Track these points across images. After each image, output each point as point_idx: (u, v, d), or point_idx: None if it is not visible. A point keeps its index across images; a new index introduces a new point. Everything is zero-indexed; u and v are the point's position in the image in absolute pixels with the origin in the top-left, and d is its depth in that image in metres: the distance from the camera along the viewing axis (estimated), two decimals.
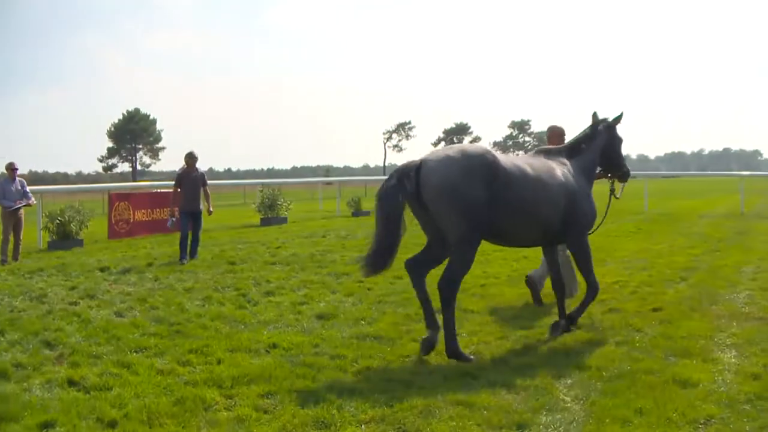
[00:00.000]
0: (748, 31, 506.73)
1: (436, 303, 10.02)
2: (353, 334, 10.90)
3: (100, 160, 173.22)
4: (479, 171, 9.69)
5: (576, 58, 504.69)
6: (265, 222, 32.98)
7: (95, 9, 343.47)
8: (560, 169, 10.88)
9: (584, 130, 11.86)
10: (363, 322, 11.76)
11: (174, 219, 20.25)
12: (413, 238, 10.81)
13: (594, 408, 7.66)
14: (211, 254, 20.55)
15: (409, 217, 10.23)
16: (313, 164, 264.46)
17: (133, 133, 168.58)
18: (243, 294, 14.33)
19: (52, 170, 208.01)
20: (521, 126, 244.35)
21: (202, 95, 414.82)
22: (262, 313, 12.58)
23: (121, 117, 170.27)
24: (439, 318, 9.88)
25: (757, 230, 26.29)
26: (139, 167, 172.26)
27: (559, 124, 14.14)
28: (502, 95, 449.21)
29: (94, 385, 8.59)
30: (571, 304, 11.80)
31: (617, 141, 12.13)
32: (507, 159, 10.22)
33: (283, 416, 7.51)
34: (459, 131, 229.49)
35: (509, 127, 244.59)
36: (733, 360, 9.35)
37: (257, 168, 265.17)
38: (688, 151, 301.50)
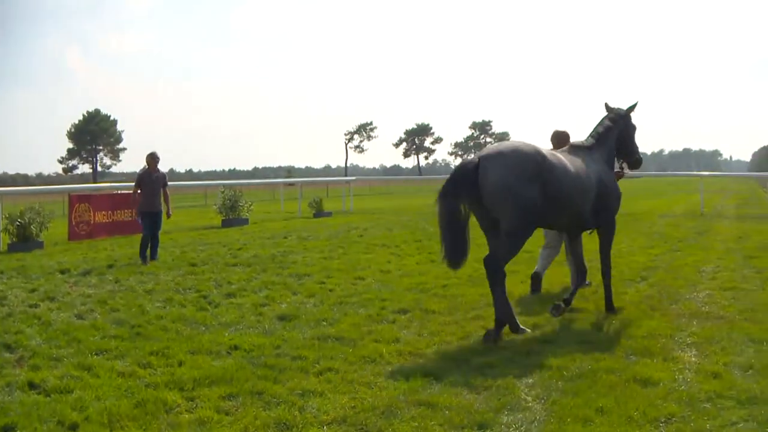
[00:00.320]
0: (707, 32, 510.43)
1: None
2: (315, 335, 10.87)
3: (61, 162, 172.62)
4: (532, 169, 10.71)
5: (536, 59, 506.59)
6: (227, 223, 32.80)
7: (55, 9, 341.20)
8: (590, 163, 11.88)
9: (602, 121, 12.68)
10: (325, 323, 11.74)
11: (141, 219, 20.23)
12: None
13: (555, 407, 7.69)
14: (172, 256, 20.48)
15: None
16: (275, 165, 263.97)
17: (94, 134, 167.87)
18: (204, 296, 14.29)
19: (11, 171, 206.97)
20: (482, 127, 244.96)
21: (164, 96, 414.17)
22: (224, 314, 12.55)
23: (81, 118, 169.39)
24: None
25: (716, 230, 26.49)
26: (99, 168, 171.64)
27: (562, 128, 14.54)
28: (464, 96, 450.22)
29: (55, 387, 8.53)
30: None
31: (632, 129, 13.02)
32: (552, 156, 11.19)
33: (245, 418, 7.50)
34: (420, 132, 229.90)
35: (470, 127, 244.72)
36: (693, 359, 9.42)
37: (218, 169, 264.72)
38: (649, 152, 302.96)
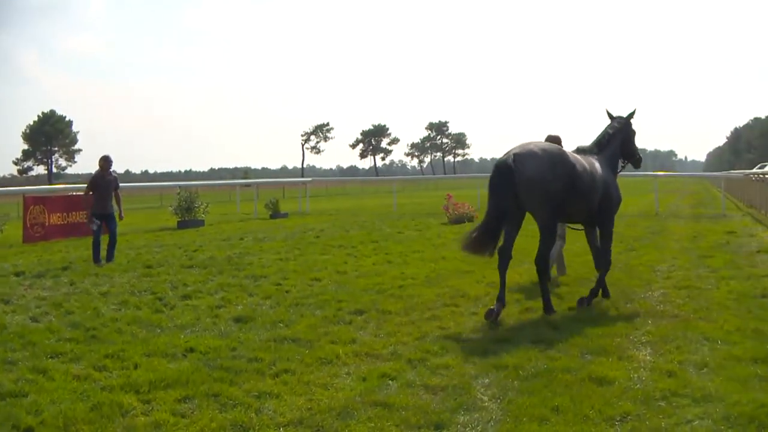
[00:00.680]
0: (663, 34, 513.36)
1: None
2: (271, 337, 10.84)
3: (16, 163, 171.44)
4: (559, 167, 12.08)
5: (491, 60, 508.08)
6: (182, 225, 32.65)
7: (10, 9, 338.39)
8: (597, 164, 13.07)
9: (606, 128, 13.94)
10: (281, 325, 11.70)
11: (97, 222, 20.11)
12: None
13: (511, 407, 7.72)
14: (127, 258, 20.38)
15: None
16: (231, 166, 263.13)
17: (49, 135, 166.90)
18: (159, 298, 14.22)
19: None
20: (439, 127, 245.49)
21: (119, 97, 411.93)
22: (179, 317, 12.49)
23: (36, 119, 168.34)
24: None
25: (671, 230, 26.66)
26: (55, 170, 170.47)
27: (554, 133, 15.32)
28: (420, 97, 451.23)
29: (10, 391, 8.46)
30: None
31: (633, 133, 14.29)
32: (572, 157, 12.49)
33: (201, 421, 7.47)
34: (377, 133, 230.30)
35: (427, 128, 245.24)
36: (648, 357, 9.48)
37: (174, 170, 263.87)
38: None
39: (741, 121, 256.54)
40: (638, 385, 8.30)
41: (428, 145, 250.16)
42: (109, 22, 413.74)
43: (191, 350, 10.16)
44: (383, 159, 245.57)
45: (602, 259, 13.47)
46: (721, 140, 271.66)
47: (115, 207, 20.83)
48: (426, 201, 54.03)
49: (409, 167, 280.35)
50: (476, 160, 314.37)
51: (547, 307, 12.27)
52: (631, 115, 14.25)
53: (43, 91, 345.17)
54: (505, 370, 8.98)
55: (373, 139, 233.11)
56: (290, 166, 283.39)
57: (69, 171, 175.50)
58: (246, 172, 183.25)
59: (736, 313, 11.84)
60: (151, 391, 8.40)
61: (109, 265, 18.99)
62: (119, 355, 9.91)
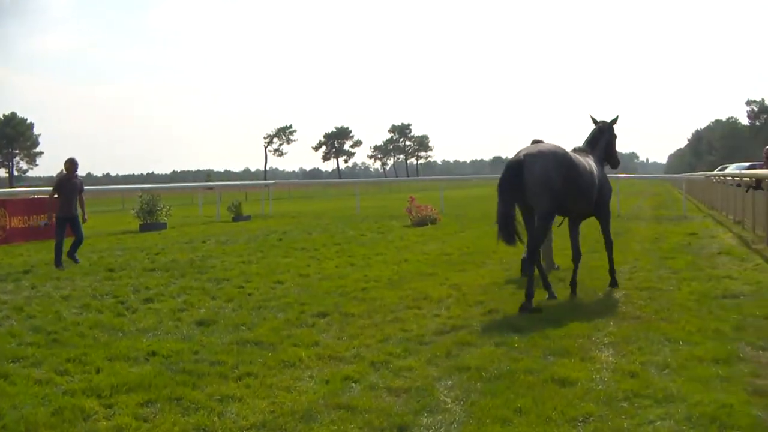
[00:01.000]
0: (624, 38, 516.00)
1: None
2: (234, 340, 10.80)
3: None
4: (564, 166, 13.20)
5: (453, 62, 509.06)
6: (145, 228, 32.53)
7: None
8: (591, 164, 14.25)
9: (593, 131, 15.27)
10: (243, 328, 11.68)
11: (47, 222, 20.16)
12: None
13: (474, 408, 7.72)
14: (89, 261, 20.30)
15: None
16: (194, 169, 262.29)
17: (10, 137, 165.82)
18: (121, 301, 14.16)
19: None
20: (402, 130, 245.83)
21: (81, 99, 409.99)
22: (141, 320, 12.43)
23: None
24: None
25: (633, 231, 26.78)
26: (16, 173, 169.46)
27: (539, 137, 16.73)
28: (383, 100, 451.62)
29: None
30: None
31: (614, 137, 15.59)
32: (575, 158, 13.61)
33: (164, 424, 7.44)
34: (340, 135, 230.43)
35: (390, 131, 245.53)
36: (611, 358, 9.51)
37: (136, 173, 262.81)
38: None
39: (702, 123, 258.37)
40: (600, 386, 8.32)
41: (391, 147, 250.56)
42: (71, 24, 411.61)
43: (153, 354, 10.10)
44: (346, 161, 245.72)
45: (608, 242, 14.86)
46: (682, 142, 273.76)
47: (79, 210, 20.74)
48: (389, 203, 54.04)
49: (372, 170, 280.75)
50: (439, 162, 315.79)
51: (549, 292, 13.65)
52: (614, 120, 15.55)
53: (4, 94, 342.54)
54: (468, 371, 8.98)
55: (336, 141, 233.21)
56: (253, 169, 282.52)
57: (30, 174, 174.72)
58: (208, 175, 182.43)
59: (697, 314, 11.90)
60: (113, 395, 8.35)
61: (70, 269, 18.88)
62: (81, 359, 9.85)
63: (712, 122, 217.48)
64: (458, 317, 12.11)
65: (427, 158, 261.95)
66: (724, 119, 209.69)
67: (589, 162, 14.21)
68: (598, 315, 12.04)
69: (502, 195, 13.14)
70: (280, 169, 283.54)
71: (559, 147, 13.66)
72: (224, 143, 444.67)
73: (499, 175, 13.24)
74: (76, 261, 19.90)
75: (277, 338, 10.86)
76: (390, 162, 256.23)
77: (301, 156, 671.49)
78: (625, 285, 14.74)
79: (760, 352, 9.60)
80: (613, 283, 14.63)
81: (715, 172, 50.36)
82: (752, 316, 11.59)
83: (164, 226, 33.56)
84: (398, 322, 11.85)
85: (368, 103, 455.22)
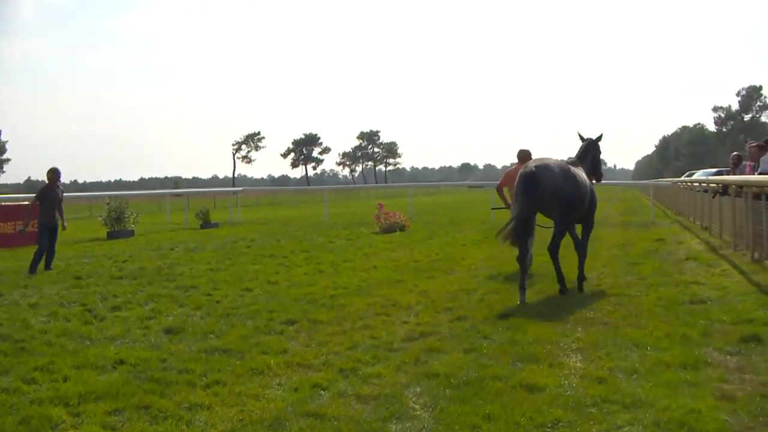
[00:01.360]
0: (590, 41, 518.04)
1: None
2: (202, 348, 10.76)
3: None
4: (570, 177, 14.84)
5: (421, 69, 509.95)
6: (112, 235, 32.36)
7: None
8: (583, 174, 15.72)
9: (582, 146, 16.78)
10: (212, 336, 11.63)
11: (25, 229, 20.27)
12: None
13: (443, 415, 7.72)
14: (57, 269, 20.18)
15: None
16: (162, 176, 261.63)
17: None
18: (89, 309, 14.07)
19: None
20: (370, 137, 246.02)
21: (48, 105, 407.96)
22: (109, 328, 12.36)
23: None
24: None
25: (601, 237, 26.81)
26: None
27: (525, 147, 18.72)
28: (351, 106, 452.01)
29: None
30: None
31: (599, 152, 17.10)
32: (574, 170, 15.24)
33: None
34: (308, 142, 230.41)
35: (358, 137, 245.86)
36: (579, 364, 9.52)
37: (104, 180, 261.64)
38: None
39: (669, 130, 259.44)
40: (569, 392, 8.34)
41: (360, 154, 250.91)
42: (39, 28, 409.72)
43: (121, 362, 10.05)
44: (315, 168, 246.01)
45: (582, 250, 15.90)
46: (649, 149, 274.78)
47: (58, 218, 21.01)
48: (358, 210, 54.01)
49: (340, 176, 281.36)
50: (408, 169, 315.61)
51: (562, 285, 14.96)
52: (599, 137, 17.04)
53: None
54: (437, 378, 8.99)
55: (304, 148, 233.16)
56: (221, 176, 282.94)
57: None
58: (176, 182, 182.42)
59: (665, 319, 11.95)
60: (80, 403, 8.31)
61: (38, 277, 18.79)
62: (48, 368, 9.78)
63: (680, 129, 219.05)
64: (427, 324, 12.12)
65: (395, 165, 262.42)
66: (691, 125, 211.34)
67: (581, 174, 15.55)
68: (566, 321, 12.07)
69: (521, 201, 14.39)
70: (249, 176, 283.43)
71: (561, 160, 15.47)
72: (192, 150, 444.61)
73: (496, 183, 13.90)
74: (47, 268, 19.88)
75: (245, 346, 10.83)
76: (359, 169, 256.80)
77: (270, 163, 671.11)
78: (593, 291, 14.79)
79: (728, 357, 9.65)
80: (580, 289, 15.17)
81: (682, 178, 50.56)
82: (719, 321, 11.64)
83: (132, 234, 33.37)
84: (367, 329, 11.84)
85: (336, 110, 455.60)
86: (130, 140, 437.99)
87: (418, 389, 8.65)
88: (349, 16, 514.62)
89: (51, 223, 20.59)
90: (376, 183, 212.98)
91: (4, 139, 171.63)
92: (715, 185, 26.69)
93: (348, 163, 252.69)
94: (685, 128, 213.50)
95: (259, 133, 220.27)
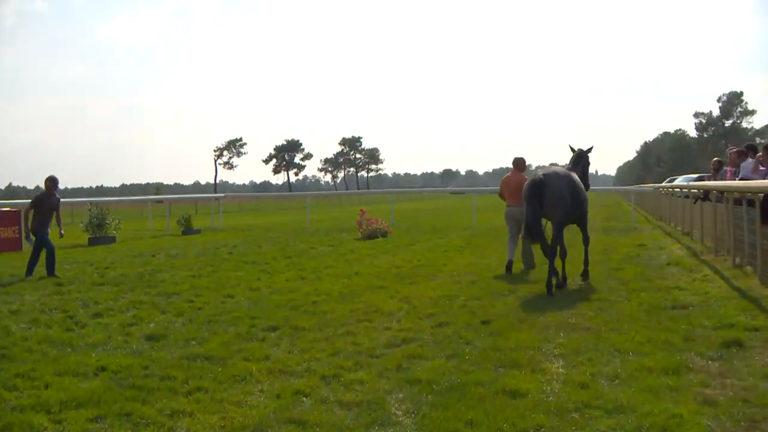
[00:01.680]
0: (571, 49, 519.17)
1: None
2: (184, 355, 10.74)
3: None
4: (573, 184, 16.73)
5: (402, 75, 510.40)
6: (93, 242, 32.31)
7: None
8: (578, 180, 17.25)
9: (574, 156, 18.35)
10: (194, 343, 11.60)
11: (30, 238, 20.36)
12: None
13: (425, 421, 7.72)
14: (38, 275, 20.10)
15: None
16: (143, 182, 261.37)
17: None
18: (70, 316, 14.02)
19: None
20: (352, 143, 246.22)
21: (30, 112, 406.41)
22: (90, 335, 12.33)
23: None
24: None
25: (580, 243, 26.88)
26: None
27: (520, 155, 20.74)
28: (333, 112, 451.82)
29: None
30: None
31: (588, 163, 18.59)
32: (573, 176, 17.06)
33: None
34: (290, 148, 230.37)
35: (340, 143, 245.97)
36: (561, 370, 9.54)
37: (85, 186, 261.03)
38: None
39: (650, 136, 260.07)
40: (551, 398, 8.35)
41: (342, 160, 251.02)
42: (15, 36, 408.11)
43: (103, 369, 10.02)
44: (297, 174, 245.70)
45: (586, 240, 18.19)
46: (631, 154, 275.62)
47: (55, 226, 21.23)
48: (340, 216, 53.97)
49: (322, 182, 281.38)
50: (390, 175, 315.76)
51: (558, 279, 16.42)
52: (590, 149, 18.53)
53: None
54: (419, 384, 8.99)
55: (286, 154, 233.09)
56: (203, 182, 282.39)
57: None
58: (158, 188, 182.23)
59: (646, 324, 11.98)
60: (62, 410, 8.27)
61: (20, 283, 18.74)
62: (30, 375, 9.75)
63: (661, 134, 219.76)
64: (409, 330, 12.12)
65: (377, 171, 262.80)
66: (672, 131, 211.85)
67: (577, 180, 17.15)
68: (549, 327, 12.09)
69: (530, 204, 16.26)
70: (231, 182, 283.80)
71: (564, 169, 17.30)
72: (174, 156, 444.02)
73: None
74: (51, 275, 19.90)
75: (227, 352, 10.82)
76: (341, 175, 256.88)
77: (252, 169, 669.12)
78: (575, 296, 14.81)
79: (710, 362, 9.67)
80: (585, 274, 17.42)
81: (663, 184, 50.68)
82: (701, 326, 11.68)
83: (113, 240, 33.32)
84: (349, 336, 11.84)
85: (318, 116, 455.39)
86: (111, 146, 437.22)
87: (401, 395, 8.65)
88: (331, 23, 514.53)
89: (46, 230, 20.72)
90: (358, 189, 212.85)
91: None
92: (696, 191, 26.78)
93: (330, 169, 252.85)
94: (666, 134, 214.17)
95: (240, 139, 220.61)
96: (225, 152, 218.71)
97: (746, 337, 10.71)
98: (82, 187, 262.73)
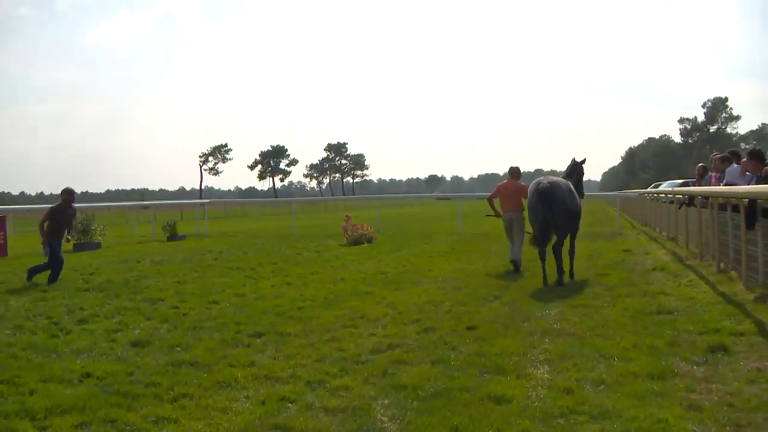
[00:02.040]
0: (556, 53, 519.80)
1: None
2: (169, 361, 10.70)
3: None
4: (571, 194, 18.26)
5: (389, 80, 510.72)
6: (78, 248, 32.12)
7: None
8: (573, 190, 18.59)
9: (569, 167, 20.18)
10: (179, 349, 11.57)
11: (47, 250, 20.39)
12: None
13: (411, 427, 7.71)
14: (22, 281, 20.05)
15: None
16: (128, 188, 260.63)
17: None
18: (55, 322, 13.99)
19: None
20: (338, 149, 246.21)
21: (14, 118, 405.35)
22: (75, 341, 12.29)
23: None
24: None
25: (567, 248, 26.92)
26: None
27: (515, 165, 22.33)
28: (318, 118, 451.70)
29: None
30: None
31: (582, 173, 20.46)
32: (571, 186, 18.54)
33: None
34: (276, 154, 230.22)
35: (326, 149, 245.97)
36: (546, 375, 9.53)
37: None
38: (501, 172, 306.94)
39: (635, 141, 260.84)
40: (536, 403, 8.35)
41: (327, 166, 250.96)
42: (7, 41, 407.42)
43: (88, 375, 9.99)
44: (282, 180, 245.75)
45: (572, 250, 19.26)
46: (615, 160, 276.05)
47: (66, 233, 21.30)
48: (325, 222, 53.96)
49: (308, 188, 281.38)
50: (375, 181, 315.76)
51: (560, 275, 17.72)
52: (584, 161, 20.32)
53: None
54: (404, 390, 8.98)
55: (271, 160, 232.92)
56: (188, 188, 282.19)
57: None
58: (143, 194, 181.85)
59: (632, 329, 11.99)
60: (47, 417, 8.26)
61: (3, 289, 18.69)
62: (14, 381, 9.72)
63: (646, 140, 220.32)
64: (395, 336, 12.11)
65: (363, 177, 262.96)
66: (657, 137, 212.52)
67: (573, 190, 18.57)
68: (534, 332, 12.09)
69: (534, 211, 17.69)
70: (216, 187, 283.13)
71: (563, 180, 18.59)
72: (159, 162, 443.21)
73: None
74: (53, 282, 19.93)
75: (212, 359, 10.80)
76: (326, 181, 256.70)
77: (237, 175, 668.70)
78: (560, 302, 14.83)
79: (695, 367, 9.67)
80: (571, 274, 18.70)
81: (648, 190, 50.75)
82: (686, 331, 11.68)
83: (99, 246, 33.28)
84: (334, 342, 11.83)
85: (304, 122, 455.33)
86: (96, 152, 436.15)
87: (386, 401, 8.64)
88: (316, 29, 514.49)
89: (61, 239, 20.87)
90: (344, 195, 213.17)
91: None
92: (681, 196, 26.84)
93: (315, 175, 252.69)
94: (651, 140, 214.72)
95: (226, 145, 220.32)
96: (210, 158, 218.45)
97: (731, 342, 10.72)
98: None
